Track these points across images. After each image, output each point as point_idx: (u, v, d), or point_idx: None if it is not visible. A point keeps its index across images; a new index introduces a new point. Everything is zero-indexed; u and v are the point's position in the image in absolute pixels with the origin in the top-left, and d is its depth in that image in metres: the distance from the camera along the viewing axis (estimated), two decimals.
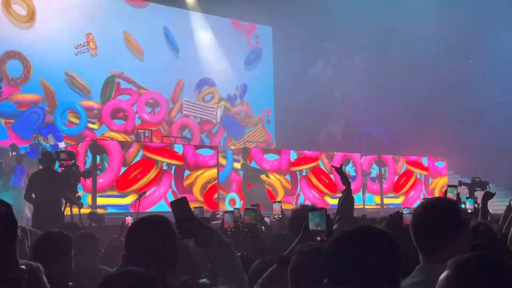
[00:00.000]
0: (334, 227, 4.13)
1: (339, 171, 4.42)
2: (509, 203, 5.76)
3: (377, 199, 16.07)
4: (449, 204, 2.30)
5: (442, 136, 17.50)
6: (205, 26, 19.58)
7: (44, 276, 2.29)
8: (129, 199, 11.75)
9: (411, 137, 18.00)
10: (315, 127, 19.31)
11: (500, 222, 5.93)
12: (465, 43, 18.19)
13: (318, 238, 2.54)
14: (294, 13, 19.09)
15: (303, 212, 3.85)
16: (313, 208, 2.84)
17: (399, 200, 16.18)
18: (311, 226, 2.70)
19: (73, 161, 8.70)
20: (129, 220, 7.99)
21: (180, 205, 2.27)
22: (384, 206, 15.61)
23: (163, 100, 18.57)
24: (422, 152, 17.18)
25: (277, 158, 14.38)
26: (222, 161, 14.21)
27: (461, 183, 13.69)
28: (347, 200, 4.10)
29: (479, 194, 7.53)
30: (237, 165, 14.04)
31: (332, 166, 4.72)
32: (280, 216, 5.62)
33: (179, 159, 12.61)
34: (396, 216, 3.74)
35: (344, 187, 4.21)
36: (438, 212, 2.21)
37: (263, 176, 13.76)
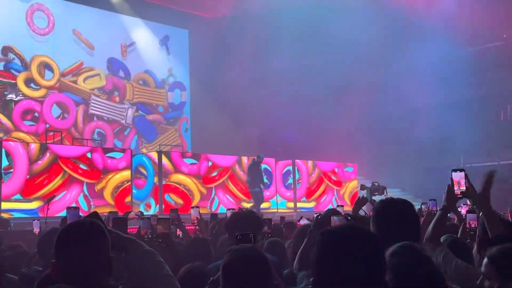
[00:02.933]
0: None
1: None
2: (421, 207, 6.01)
3: (290, 204, 16.35)
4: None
5: (354, 141, 18.13)
6: (123, 27, 19.13)
7: None
8: (36, 204, 11.31)
9: (325, 142, 18.46)
10: (231, 132, 19.35)
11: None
12: (380, 51, 18.94)
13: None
14: (210, 16, 19.09)
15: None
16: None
17: (311, 205, 16.54)
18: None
19: None
20: (36, 225, 7.58)
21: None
22: (297, 210, 15.89)
23: (71, 103, 17.89)
24: (334, 157, 17.66)
25: (196, 163, 14.27)
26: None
27: (363, 187, 14.40)
28: None
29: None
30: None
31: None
32: (197, 222, 5.53)
33: (89, 168, 12.28)
34: (323, 219, 3.78)
35: None
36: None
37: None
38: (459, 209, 5.91)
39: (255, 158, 14.21)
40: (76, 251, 1.96)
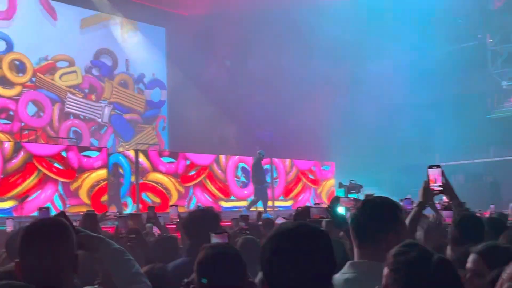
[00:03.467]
0: None
1: None
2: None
3: (268, 202, 16.35)
4: (388, 203, 2.40)
5: (331, 140, 18.19)
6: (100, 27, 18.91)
7: None
8: (11, 203, 11.15)
9: (302, 140, 18.51)
10: (209, 130, 19.27)
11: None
12: (357, 50, 19.05)
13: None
14: (188, 14, 18.98)
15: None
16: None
17: (289, 203, 16.58)
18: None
19: None
20: (9, 224, 7.50)
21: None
22: (275, 209, 15.90)
23: (47, 102, 17.60)
24: (312, 155, 17.70)
25: (174, 162, 14.19)
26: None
27: (341, 185, 14.59)
28: None
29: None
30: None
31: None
32: (178, 220, 5.50)
33: (64, 167, 12.13)
34: (303, 210, 3.84)
35: None
36: (376, 209, 2.30)
37: None
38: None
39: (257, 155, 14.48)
40: (40, 250, 1.95)
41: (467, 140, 20.02)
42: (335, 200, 4.74)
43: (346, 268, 2.16)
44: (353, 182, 15.26)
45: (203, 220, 3.72)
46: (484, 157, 20.83)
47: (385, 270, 1.80)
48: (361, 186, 15.11)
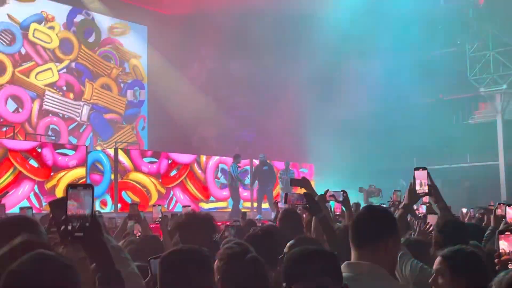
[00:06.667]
0: None
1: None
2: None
3: (246, 204, 16.34)
4: (389, 211, 2.73)
5: (311, 142, 18.24)
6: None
7: None
8: None
9: (282, 142, 18.52)
10: (188, 130, 19.17)
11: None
12: (334, 56, 19.16)
13: None
14: (170, 14, 18.88)
15: None
16: None
17: (267, 205, 16.50)
18: None
19: None
20: None
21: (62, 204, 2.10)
22: (254, 210, 15.87)
23: (27, 97, 17.28)
24: (292, 157, 17.70)
25: (156, 161, 14.08)
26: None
27: (361, 190, 14.92)
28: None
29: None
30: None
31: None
32: (160, 221, 5.48)
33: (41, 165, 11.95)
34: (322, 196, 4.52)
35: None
36: (379, 215, 2.49)
37: None
38: (420, 209, 6.04)
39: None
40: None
41: (444, 145, 20.26)
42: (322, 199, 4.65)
43: (342, 268, 2.26)
44: (372, 187, 15.64)
45: (201, 225, 3.68)
46: (461, 162, 21.11)
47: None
48: (380, 190, 15.53)
